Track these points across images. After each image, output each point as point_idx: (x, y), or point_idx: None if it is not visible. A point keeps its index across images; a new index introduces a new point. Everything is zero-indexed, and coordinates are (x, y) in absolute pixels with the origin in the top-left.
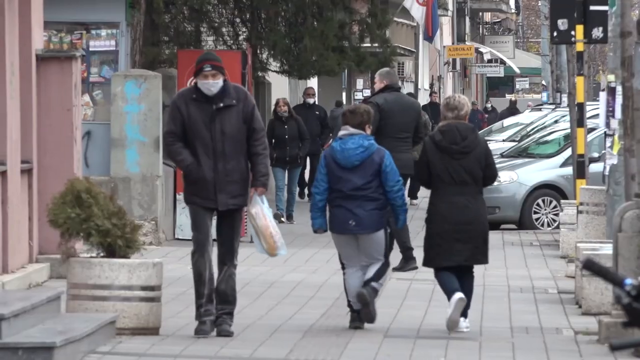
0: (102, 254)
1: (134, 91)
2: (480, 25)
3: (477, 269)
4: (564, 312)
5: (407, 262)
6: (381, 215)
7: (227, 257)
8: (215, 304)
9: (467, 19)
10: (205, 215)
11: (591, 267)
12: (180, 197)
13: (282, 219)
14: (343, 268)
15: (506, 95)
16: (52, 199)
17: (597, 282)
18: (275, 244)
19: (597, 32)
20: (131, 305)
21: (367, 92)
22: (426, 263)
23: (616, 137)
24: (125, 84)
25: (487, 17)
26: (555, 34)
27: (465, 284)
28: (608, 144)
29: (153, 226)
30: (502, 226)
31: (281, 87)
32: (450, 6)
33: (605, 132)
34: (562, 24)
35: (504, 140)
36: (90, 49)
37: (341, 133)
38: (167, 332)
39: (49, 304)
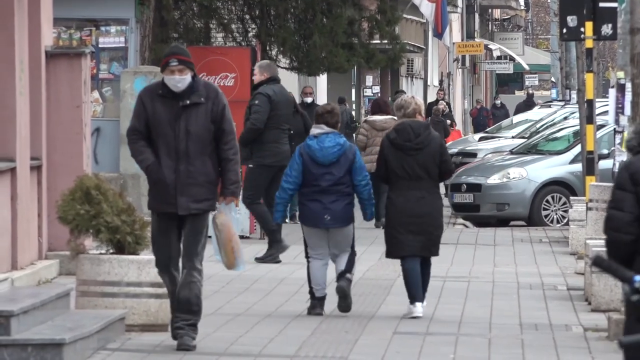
0: (111, 251)
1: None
2: (490, 22)
3: (487, 267)
4: (574, 308)
5: (278, 247)
6: (352, 210)
7: (188, 261)
8: (176, 312)
9: (477, 15)
10: (167, 228)
11: (600, 264)
12: None
13: (287, 220)
14: (307, 257)
15: (516, 92)
16: (61, 196)
17: (607, 279)
18: (235, 260)
19: (606, 29)
20: (140, 301)
21: (377, 89)
22: (387, 255)
23: (625, 133)
24: (135, 80)
25: (497, 13)
26: (564, 30)
27: (424, 272)
28: (617, 140)
29: None
30: (512, 223)
31: (290, 84)
32: (459, 3)
33: (614, 128)
34: (572, 20)
35: (513, 137)
36: (100, 46)
37: (316, 131)
38: None
39: (58, 301)
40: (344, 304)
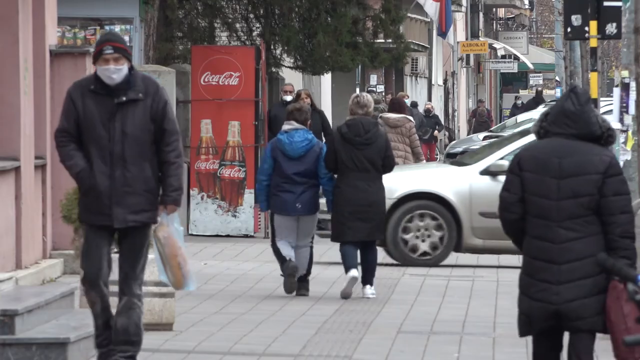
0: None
1: None
2: (494, 21)
3: (491, 266)
4: None
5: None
6: (318, 200)
7: (126, 286)
8: (113, 344)
9: (481, 14)
10: (100, 240)
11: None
12: (193, 192)
13: None
14: (273, 240)
15: (520, 90)
16: (65, 195)
17: None
18: (183, 277)
19: (610, 28)
20: (144, 301)
21: (381, 88)
22: (334, 239)
23: (630, 133)
24: None
25: (501, 12)
26: (569, 29)
27: (369, 256)
28: (622, 140)
29: None
30: None
31: (295, 83)
32: (464, 2)
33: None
34: (576, 19)
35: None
36: None
37: (286, 127)
38: (181, 328)
39: (62, 300)
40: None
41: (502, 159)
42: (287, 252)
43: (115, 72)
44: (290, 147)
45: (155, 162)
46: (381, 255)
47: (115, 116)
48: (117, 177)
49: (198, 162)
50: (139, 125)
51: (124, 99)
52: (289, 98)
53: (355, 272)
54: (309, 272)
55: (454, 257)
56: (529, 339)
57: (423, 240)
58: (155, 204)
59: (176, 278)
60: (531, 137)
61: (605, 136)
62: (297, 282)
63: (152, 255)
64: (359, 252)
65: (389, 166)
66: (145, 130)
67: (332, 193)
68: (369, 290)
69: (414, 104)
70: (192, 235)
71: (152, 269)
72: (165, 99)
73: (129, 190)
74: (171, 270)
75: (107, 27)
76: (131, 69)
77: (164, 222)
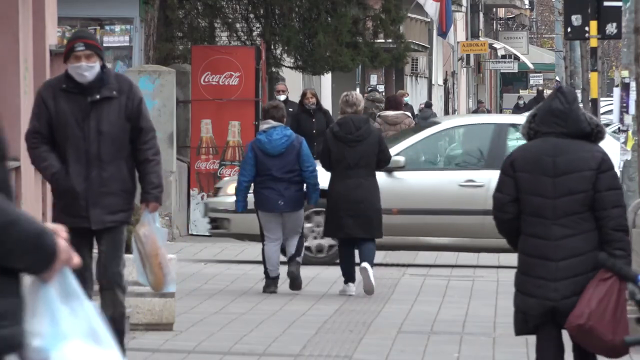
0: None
1: (148, 87)
2: (494, 21)
3: (491, 266)
4: None
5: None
6: (302, 196)
7: (108, 281)
8: None
9: (481, 14)
10: (80, 245)
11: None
12: (194, 192)
13: None
14: (263, 240)
15: (520, 90)
16: None
17: None
18: (164, 277)
19: (610, 28)
20: (145, 300)
21: (381, 88)
22: (327, 234)
23: (630, 132)
24: (139, 79)
25: (501, 12)
26: (569, 29)
27: (366, 252)
28: (622, 139)
29: (167, 222)
30: None
31: (295, 83)
32: (464, 2)
33: (619, 127)
34: (576, 19)
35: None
36: (104, 45)
37: (265, 127)
38: (181, 328)
39: None
40: (295, 284)
41: (397, 154)
42: (273, 265)
43: (87, 69)
44: (270, 146)
45: (132, 161)
46: (381, 255)
47: (90, 115)
48: (94, 178)
49: (198, 162)
50: (114, 124)
51: (98, 97)
52: (282, 98)
53: (353, 290)
54: (298, 253)
55: (453, 257)
56: (530, 338)
57: (315, 238)
58: (130, 204)
59: (156, 278)
60: (425, 133)
61: (595, 132)
62: (287, 262)
63: (132, 255)
64: (357, 250)
65: (384, 160)
66: (121, 128)
67: (327, 191)
68: (353, 287)
69: (429, 104)
70: (192, 235)
71: None
72: (139, 97)
73: (106, 191)
74: (151, 269)
75: (107, 27)
76: (103, 66)
77: (145, 222)
